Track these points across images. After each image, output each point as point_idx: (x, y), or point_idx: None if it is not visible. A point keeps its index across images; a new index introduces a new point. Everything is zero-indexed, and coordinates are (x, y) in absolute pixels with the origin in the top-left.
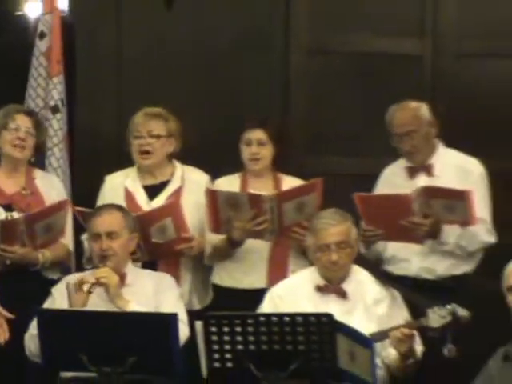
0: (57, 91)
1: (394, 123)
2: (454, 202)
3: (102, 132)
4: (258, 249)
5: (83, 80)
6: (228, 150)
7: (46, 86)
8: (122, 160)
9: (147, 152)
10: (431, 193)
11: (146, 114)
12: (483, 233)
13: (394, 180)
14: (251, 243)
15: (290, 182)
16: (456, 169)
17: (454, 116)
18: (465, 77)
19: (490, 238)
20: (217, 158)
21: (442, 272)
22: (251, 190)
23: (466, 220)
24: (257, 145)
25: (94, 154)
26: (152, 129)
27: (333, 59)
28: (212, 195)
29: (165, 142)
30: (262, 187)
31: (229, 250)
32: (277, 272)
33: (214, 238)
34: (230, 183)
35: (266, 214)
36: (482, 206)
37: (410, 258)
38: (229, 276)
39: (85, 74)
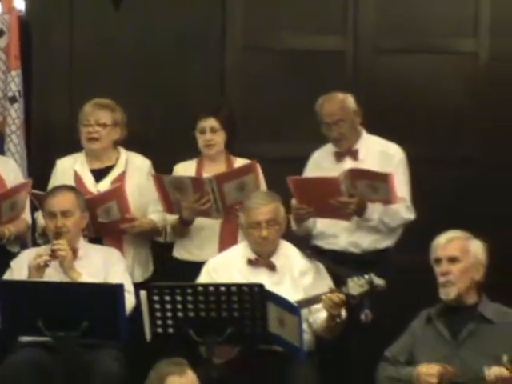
0: (14, 83)
1: (323, 113)
2: (377, 183)
3: (55, 120)
4: (209, 226)
5: (38, 73)
6: (170, 136)
7: (5, 78)
8: (73, 146)
9: (94, 139)
10: (356, 174)
11: (95, 104)
12: (403, 210)
13: (322, 164)
14: (203, 221)
15: (241, 164)
16: (379, 153)
17: (372, 106)
18: (382, 70)
19: (410, 215)
20: (160, 144)
21: (367, 246)
22: (206, 174)
23: (388, 199)
24: (210, 132)
25: (48, 141)
26: (99, 118)
27: (265, 56)
28: (158, 180)
29: (110, 131)
30: (217, 170)
31: (183, 228)
32: (227, 246)
33: (171, 218)
34: (186, 168)
35: (208, 194)
36: (401, 186)
37: (337, 234)
38: (186, 251)
39: (40, 68)
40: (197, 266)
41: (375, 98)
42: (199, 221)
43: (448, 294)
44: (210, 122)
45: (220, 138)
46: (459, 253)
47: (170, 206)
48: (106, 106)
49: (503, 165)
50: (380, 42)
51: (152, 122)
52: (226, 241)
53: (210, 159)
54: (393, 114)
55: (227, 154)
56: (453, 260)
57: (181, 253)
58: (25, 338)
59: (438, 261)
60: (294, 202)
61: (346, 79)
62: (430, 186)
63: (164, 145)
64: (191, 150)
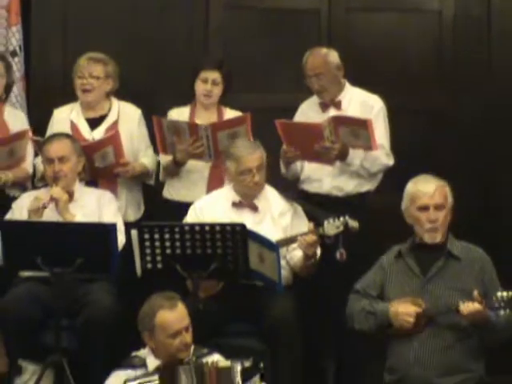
0: (15, 38)
1: (307, 66)
2: (358, 129)
3: (52, 73)
4: (199, 169)
5: (37, 29)
6: (157, 87)
7: (7, 34)
8: (69, 97)
9: (88, 90)
10: (339, 121)
11: (89, 58)
12: (383, 156)
13: (308, 113)
14: (193, 165)
15: (230, 114)
16: (360, 104)
17: (345, 60)
18: (354, 27)
19: (389, 161)
20: (148, 94)
21: (350, 190)
22: (198, 120)
23: (368, 145)
24: (212, 84)
25: (46, 92)
26: (92, 71)
27: (246, 14)
28: (158, 122)
29: (103, 82)
30: (208, 117)
31: (175, 168)
32: (214, 189)
33: (164, 159)
34: (180, 113)
35: (202, 139)
36: (381, 134)
37: (322, 178)
38: (175, 192)
39: (38, 23)
40: (184, 207)
41: (347, 52)
42: (189, 164)
43: (435, 238)
44: (214, 75)
45: (218, 91)
46: (444, 200)
47: (165, 147)
48: (99, 59)
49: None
50: (352, 1)
51: (141, 75)
52: (214, 184)
53: (204, 107)
54: (364, 67)
55: (218, 104)
56: (439, 207)
57: (170, 193)
58: (25, 274)
59: (426, 208)
60: (283, 147)
61: (321, 35)
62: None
63: (152, 95)
64: (177, 101)
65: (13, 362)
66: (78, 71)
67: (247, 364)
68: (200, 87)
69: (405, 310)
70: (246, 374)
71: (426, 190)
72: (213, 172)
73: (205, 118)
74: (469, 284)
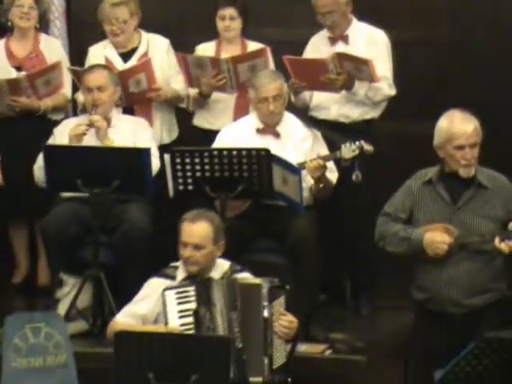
0: None
1: (317, 4)
2: (360, 65)
3: (90, 9)
4: (224, 100)
5: None
6: (184, 21)
7: None
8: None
9: (117, 34)
10: (342, 57)
11: (111, 4)
12: (386, 87)
13: (319, 46)
14: (219, 95)
15: (253, 47)
16: (366, 38)
17: None
18: None
19: (391, 91)
20: (176, 27)
21: (356, 117)
22: (223, 54)
23: (371, 79)
24: (229, 19)
25: (84, 28)
26: (118, 16)
27: None
28: (182, 58)
29: (130, 22)
30: (233, 51)
31: (201, 100)
32: (240, 117)
33: (192, 91)
34: (207, 48)
35: (224, 72)
36: (385, 67)
37: (330, 106)
38: (204, 120)
39: None
40: (213, 134)
41: None
42: (216, 95)
43: (469, 172)
44: (230, 11)
45: (236, 25)
46: (478, 138)
47: (191, 80)
48: (119, 2)
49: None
50: None
51: (169, 9)
52: (239, 112)
53: (228, 42)
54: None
55: (242, 38)
56: (474, 145)
57: (200, 121)
58: (66, 194)
59: (462, 147)
60: (291, 79)
61: None
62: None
63: (180, 28)
64: (205, 34)
65: (54, 276)
66: (103, 18)
67: (275, 283)
68: (220, 24)
69: (440, 239)
70: (273, 294)
71: (463, 131)
72: (238, 102)
73: (229, 52)
74: (496, 211)
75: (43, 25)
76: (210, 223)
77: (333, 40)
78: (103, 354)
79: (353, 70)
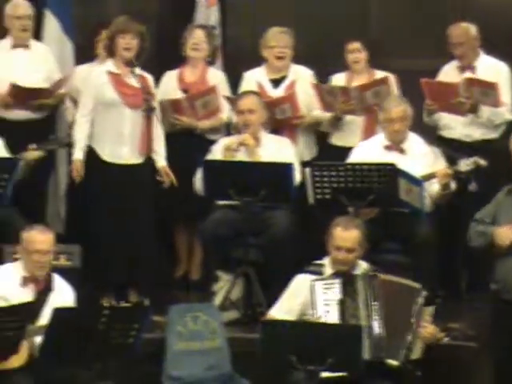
0: (214, 16)
1: (452, 35)
2: (487, 90)
3: (243, 43)
4: (355, 121)
5: (231, 8)
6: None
7: (207, 12)
8: (255, 63)
9: (282, 58)
10: (472, 82)
11: (280, 31)
12: (506, 112)
13: (449, 74)
14: (351, 118)
15: (380, 76)
16: (491, 69)
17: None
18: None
19: (510, 116)
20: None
21: (478, 137)
22: (354, 83)
23: (494, 103)
24: (356, 52)
25: (237, 59)
26: (285, 42)
27: None
28: (317, 88)
29: (291, 51)
30: (361, 80)
31: (334, 122)
32: (369, 136)
33: (327, 115)
34: (338, 78)
35: (353, 99)
36: (507, 94)
37: (456, 126)
38: (339, 139)
39: (231, 4)
40: (346, 150)
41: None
42: (348, 117)
43: None
44: (356, 45)
45: (363, 57)
46: None
47: (325, 106)
48: (285, 32)
49: None
50: None
51: (312, 45)
52: (367, 132)
53: (357, 72)
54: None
55: (369, 68)
56: None
57: (335, 140)
58: (220, 202)
59: None
60: (426, 101)
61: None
62: None
63: (318, 60)
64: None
65: (210, 272)
66: (271, 41)
67: (428, 294)
68: (348, 57)
69: (506, 232)
70: (427, 300)
71: None
72: (366, 122)
73: (358, 81)
74: None
75: (212, 59)
76: (360, 230)
77: (461, 69)
78: (252, 339)
79: (479, 95)
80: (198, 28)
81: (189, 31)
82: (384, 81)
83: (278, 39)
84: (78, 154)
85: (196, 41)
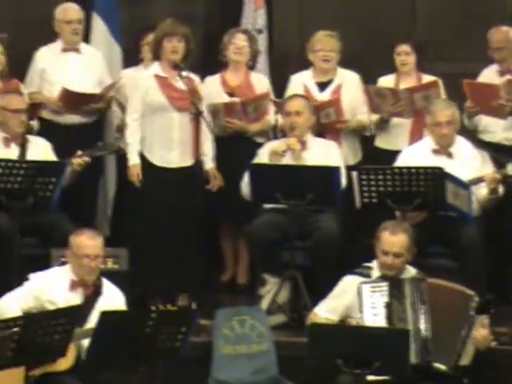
0: (261, 19)
1: (492, 40)
2: None
3: (289, 47)
4: (402, 124)
5: (277, 11)
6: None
7: (254, 15)
8: (302, 66)
9: (327, 61)
10: None
11: (327, 34)
12: None
13: (489, 78)
14: (398, 120)
15: (427, 79)
16: None
17: None
18: None
19: None
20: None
21: None
22: (401, 85)
23: None
24: (404, 54)
25: (284, 63)
26: (331, 45)
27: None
28: (366, 89)
29: (337, 54)
30: (409, 82)
31: (382, 124)
32: (416, 139)
33: (375, 117)
34: (387, 80)
35: (400, 101)
36: None
37: (496, 130)
38: (385, 142)
39: (278, 7)
40: (392, 153)
41: None
42: (395, 120)
43: None
44: (405, 48)
45: (412, 59)
46: None
47: (373, 107)
48: (333, 35)
49: None
50: None
51: (358, 47)
52: (415, 135)
53: (405, 75)
54: None
55: (417, 71)
56: None
57: (381, 143)
58: (267, 205)
59: None
60: (467, 103)
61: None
62: None
63: (365, 62)
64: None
65: (257, 275)
66: (317, 45)
67: (483, 302)
68: (397, 59)
69: None
70: (481, 308)
71: None
72: (414, 125)
73: (406, 83)
74: None
75: (254, 62)
76: (407, 234)
77: (501, 73)
78: (299, 343)
79: None
80: (239, 32)
81: (230, 35)
82: (434, 84)
83: (323, 43)
84: (134, 159)
85: (239, 45)
